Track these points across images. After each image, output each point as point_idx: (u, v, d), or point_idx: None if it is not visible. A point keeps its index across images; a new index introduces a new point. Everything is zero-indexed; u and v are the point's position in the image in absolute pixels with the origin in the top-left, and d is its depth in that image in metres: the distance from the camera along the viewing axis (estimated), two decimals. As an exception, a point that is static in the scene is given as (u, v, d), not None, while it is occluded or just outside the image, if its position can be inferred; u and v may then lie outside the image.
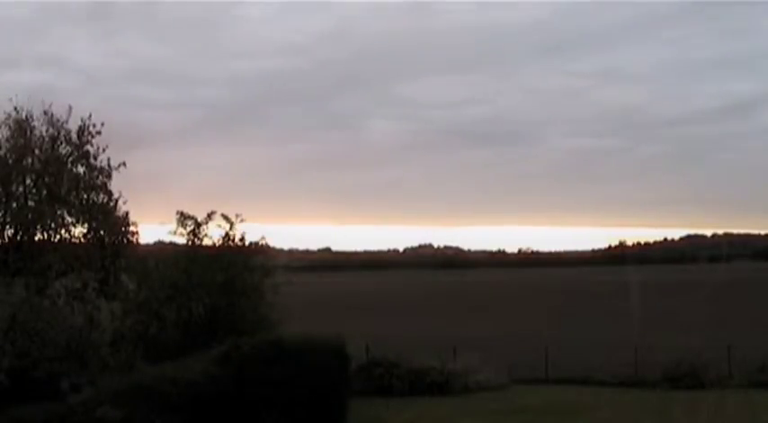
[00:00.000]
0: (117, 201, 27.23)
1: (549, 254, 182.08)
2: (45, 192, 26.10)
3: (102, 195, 26.92)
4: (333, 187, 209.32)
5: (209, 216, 27.67)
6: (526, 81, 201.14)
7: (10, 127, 26.08)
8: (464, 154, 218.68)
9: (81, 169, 26.69)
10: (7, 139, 26.06)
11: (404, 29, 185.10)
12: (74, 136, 26.50)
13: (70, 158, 26.57)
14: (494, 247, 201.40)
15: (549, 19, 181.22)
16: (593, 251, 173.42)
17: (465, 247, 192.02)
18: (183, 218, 27.63)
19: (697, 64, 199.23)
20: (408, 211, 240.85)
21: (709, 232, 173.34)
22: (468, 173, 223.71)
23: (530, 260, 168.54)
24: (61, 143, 26.49)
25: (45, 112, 26.28)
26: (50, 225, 25.79)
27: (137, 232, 28.02)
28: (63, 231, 26.16)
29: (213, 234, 27.87)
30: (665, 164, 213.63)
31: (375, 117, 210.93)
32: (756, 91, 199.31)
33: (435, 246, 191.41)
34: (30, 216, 25.62)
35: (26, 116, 26.14)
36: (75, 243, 26.31)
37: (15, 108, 26.06)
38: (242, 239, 27.90)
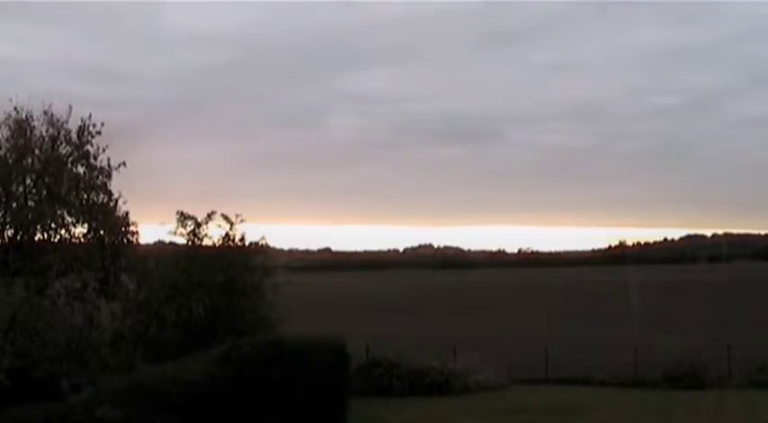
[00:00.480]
0: (117, 201, 27.30)
1: (549, 254, 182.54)
2: (45, 192, 26.11)
3: (102, 195, 26.95)
4: (308, 186, 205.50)
5: (209, 216, 27.68)
6: (480, 74, 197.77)
7: (10, 127, 26.10)
8: (433, 152, 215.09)
9: (81, 169, 26.73)
10: (7, 139, 26.09)
11: (333, 21, 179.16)
12: (74, 136, 26.54)
13: (70, 158, 26.59)
14: (494, 247, 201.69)
15: (499, 7, 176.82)
16: (593, 251, 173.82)
17: (465, 247, 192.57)
18: (183, 218, 27.63)
19: (660, 55, 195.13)
20: (400, 211, 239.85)
21: (709, 232, 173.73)
22: (445, 171, 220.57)
23: (530, 260, 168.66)
24: (61, 143, 26.51)
25: (45, 112, 26.34)
26: (50, 225, 25.81)
27: (137, 232, 28.10)
28: (63, 231, 26.19)
29: (213, 234, 27.93)
30: (644, 162, 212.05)
31: (333, 113, 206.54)
32: (719, 83, 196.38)
33: (435, 246, 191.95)
34: (30, 216, 25.62)
35: (26, 116, 26.17)
36: (75, 243, 26.33)
37: (15, 108, 26.12)
38: (242, 239, 27.92)
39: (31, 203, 26.07)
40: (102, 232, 26.82)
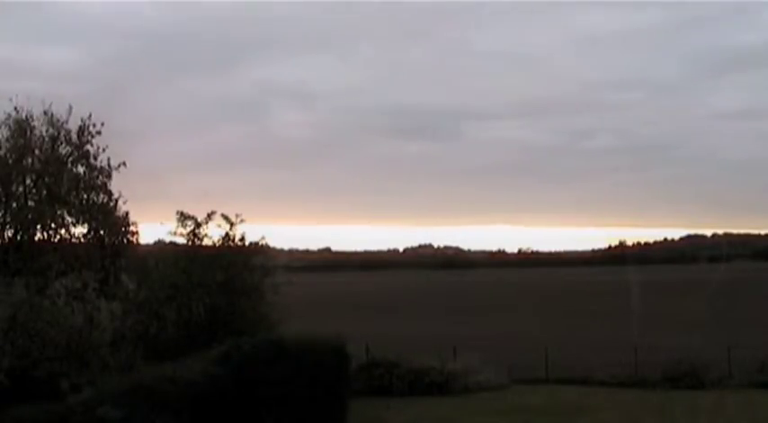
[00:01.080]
0: (117, 201, 27.32)
1: (549, 254, 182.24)
2: (45, 192, 26.13)
3: (102, 195, 26.98)
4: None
5: (209, 216, 27.70)
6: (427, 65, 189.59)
7: (10, 127, 26.12)
8: (415, 148, 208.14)
9: (81, 169, 26.76)
10: (7, 139, 26.11)
11: (245, 9, 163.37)
12: (74, 136, 26.57)
13: (70, 158, 26.62)
14: (494, 247, 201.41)
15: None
16: (593, 251, 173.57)
17: (465, 247, 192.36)
18: (183, 218, 27.65)
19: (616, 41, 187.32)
20: (400, 211, 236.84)
21: (709, 232, 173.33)
22: (441, 170, 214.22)
23: (530, 260, 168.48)
24: (61, 143, 26.54)
25: (45, 113, 26.36)
26: (50, 225, 25.83)
27: (137, 232, 28.12)
28: (63, 231, 26.22)
29: (213, 234, 27.95)
30: (633, 159, 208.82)
31: (275, 107, 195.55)
32: (683, 74, 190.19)
33: (435, 246, 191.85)
34: (30, 216, 25.64)
35: (26, 116, 26.18)
36: (75, 243, 26.36)
37: (15, 108, 26.13)
38: (242, 239, 27.93)
39: (31, 203, 26.08)
40: (102, 232, 26.84)
